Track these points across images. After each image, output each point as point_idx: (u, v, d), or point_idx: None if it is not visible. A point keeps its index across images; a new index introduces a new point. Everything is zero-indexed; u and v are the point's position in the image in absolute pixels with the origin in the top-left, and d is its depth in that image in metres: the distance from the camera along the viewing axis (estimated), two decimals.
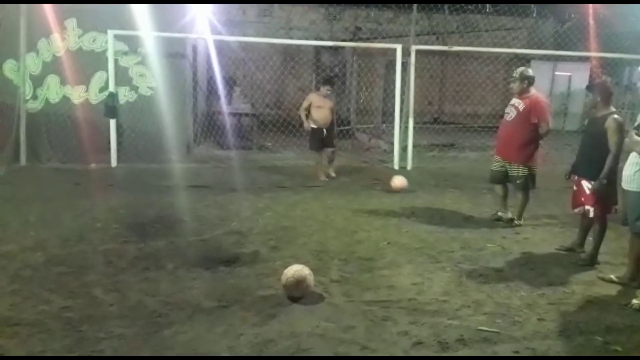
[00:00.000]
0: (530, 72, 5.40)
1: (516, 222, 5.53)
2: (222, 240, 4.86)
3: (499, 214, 5.68)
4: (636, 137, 3.73)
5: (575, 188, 4.67)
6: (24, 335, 3.04)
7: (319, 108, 7.50)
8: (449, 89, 15.63)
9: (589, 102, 4.52)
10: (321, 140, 7.62)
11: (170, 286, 3.78)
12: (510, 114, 5.40)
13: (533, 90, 5.38)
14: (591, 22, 11.52)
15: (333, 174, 7.91)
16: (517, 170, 5.41)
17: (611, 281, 4.07)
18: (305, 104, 7.61)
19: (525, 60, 14.42)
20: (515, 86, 5.39)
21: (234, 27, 13.04)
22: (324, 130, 7.57)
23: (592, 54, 10.96)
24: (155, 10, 8.15)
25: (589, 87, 4.60)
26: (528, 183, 5.45)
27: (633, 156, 3.82)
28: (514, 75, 5.43)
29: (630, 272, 4.00)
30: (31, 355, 2.85)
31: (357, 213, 5.93)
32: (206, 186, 7.04)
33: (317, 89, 8.34)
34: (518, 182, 5.44)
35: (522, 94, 5.35)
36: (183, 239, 4.82)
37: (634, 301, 3.66)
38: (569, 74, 15.54)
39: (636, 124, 3.81)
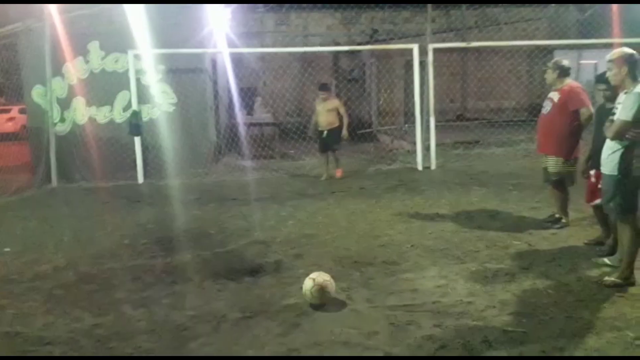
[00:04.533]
0: (564, 62, 5.20)
1: (563, 220, 5.26)
2: (246, 250, 4.93)
3: (556, 215, 5.39)
4: (607, 123, 3.73)
5: (593, 180, 4.47)
6: (57, 353, 3.14)
7: (319, 112, 8.26)
8: (471, 85, 15.47)
9: (607, 93, 4.23)
10: (322, 141, 8.32)
11: (196, 299, 3.85)
12: (547, 107, 5.22)
13: (568, 80, 5.18)
14: (613, 7, 11.18)
15: (338, 175, 8.29)
16: (554, 165, 5.17)
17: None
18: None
19: (548, 51, 14.16)
20: (548, 77, 5.24)
21: (252, 38, 13.25)
22: (325, 132, 8.21)
23: (615, 40, 10.66)
24: (172, 27, 8.37)
25: (599, 78, 4.33)
26: (565, 180, 5.19)
27: (608, 140, 3.77)
28: (547, 64, 5.30)
29: (621, 255, 3.93)
30: None
31: (380, 216, 5.93)
32: (231, 197, 7.14)
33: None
34: (554, 178, 5.22)
35: (556, 84, 5.19)
36: (209, 251, 4.91)
37: (606, 278, 3.80)
38: (594, 61, 15.20)
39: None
